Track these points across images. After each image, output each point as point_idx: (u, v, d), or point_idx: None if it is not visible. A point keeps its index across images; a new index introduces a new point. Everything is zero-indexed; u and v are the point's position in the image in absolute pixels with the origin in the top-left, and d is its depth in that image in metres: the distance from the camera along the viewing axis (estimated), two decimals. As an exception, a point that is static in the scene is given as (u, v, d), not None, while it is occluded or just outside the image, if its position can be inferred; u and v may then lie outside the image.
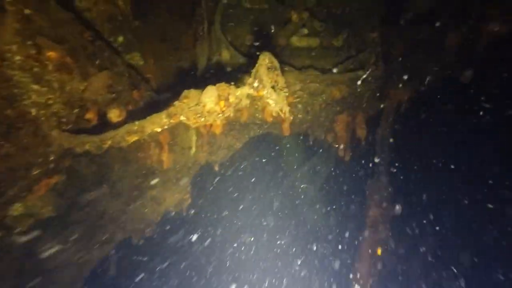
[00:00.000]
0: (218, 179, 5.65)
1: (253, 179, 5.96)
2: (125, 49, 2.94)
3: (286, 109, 2.00)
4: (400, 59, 4.38)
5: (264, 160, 5.89)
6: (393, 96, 4.47)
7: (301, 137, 5.41)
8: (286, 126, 4.19)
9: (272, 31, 3.66)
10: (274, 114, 1.97)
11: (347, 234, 5.78)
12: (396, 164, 4.77)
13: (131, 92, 2.76)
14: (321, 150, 5.42)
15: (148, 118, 2.09)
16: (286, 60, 3.59)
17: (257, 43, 3.58)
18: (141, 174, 3.41)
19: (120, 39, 2.93)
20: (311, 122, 4.37)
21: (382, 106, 4.48)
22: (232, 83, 2.05)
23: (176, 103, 2.00)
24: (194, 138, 4.26)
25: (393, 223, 4.38)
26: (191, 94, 1.97)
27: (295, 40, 3.95)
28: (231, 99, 1.98)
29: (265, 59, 1.90)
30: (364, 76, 3.24)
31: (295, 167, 5.98)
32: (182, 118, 1.98)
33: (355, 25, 3.64)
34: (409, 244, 5.37)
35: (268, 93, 1.86)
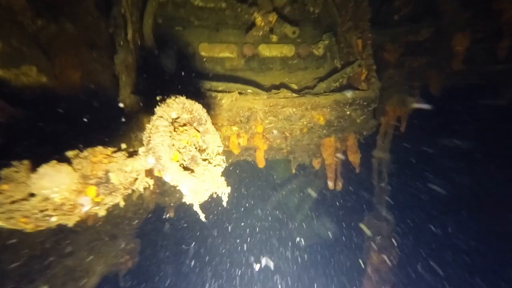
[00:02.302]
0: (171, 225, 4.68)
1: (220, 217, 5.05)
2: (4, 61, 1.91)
3: (225, 197, 1.09)
4: (396, 66, 3.57)
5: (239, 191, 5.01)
6: (390, 111, 3.65)
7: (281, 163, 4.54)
8: (260, 156, 3.33)
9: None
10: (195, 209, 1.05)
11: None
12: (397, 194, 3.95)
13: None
14: (305, 176, 4.55)
15: None
16: (248, 77, 2.70)
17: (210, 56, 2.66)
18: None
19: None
20: (291, 147, 3.52)
21: (377, 123, 3.66)
22: (124, 146, 1.14)
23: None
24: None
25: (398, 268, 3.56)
26: (18, 174, 0.99)
27: (264, 49, 3.07)
28: (114, 179, 1.07)
29: (169, 111, 0.98)
30: (354, 97, 2.38)
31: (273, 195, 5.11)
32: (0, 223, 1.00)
33: (340, 28, 2.77)
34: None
35: (174, 180, 0.95)
